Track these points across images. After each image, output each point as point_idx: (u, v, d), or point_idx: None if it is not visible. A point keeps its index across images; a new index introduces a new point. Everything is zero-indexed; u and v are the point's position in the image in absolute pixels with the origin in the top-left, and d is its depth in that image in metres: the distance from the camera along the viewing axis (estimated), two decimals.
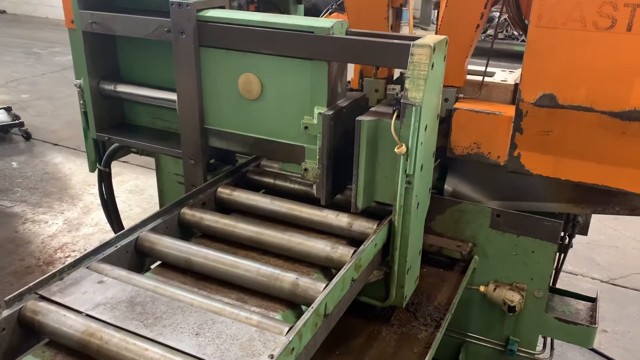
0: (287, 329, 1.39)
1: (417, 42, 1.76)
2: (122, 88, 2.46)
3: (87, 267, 1.61)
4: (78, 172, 5.84)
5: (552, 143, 2.15)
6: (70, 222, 4.85)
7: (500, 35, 13.52)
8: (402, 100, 1.78)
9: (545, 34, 2.02)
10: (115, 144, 2.64)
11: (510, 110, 2.30)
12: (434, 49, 1.76)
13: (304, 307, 1.68)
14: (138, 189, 5.56)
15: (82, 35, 2.35)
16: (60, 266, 1.58)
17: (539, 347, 2.66)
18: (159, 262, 1.87)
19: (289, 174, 2.37)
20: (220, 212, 2.13)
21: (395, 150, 1.81)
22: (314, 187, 2.01)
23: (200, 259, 1.73)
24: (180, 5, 2.04)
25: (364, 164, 1.92)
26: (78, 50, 2.89)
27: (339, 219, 2.00)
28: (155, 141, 2.48)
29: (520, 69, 2.75)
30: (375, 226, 1.94)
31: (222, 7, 2.19)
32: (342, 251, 1.79)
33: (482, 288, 2.55)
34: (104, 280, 1.56)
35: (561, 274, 2.79)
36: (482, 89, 2.47)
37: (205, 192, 2.17)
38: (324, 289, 1.56)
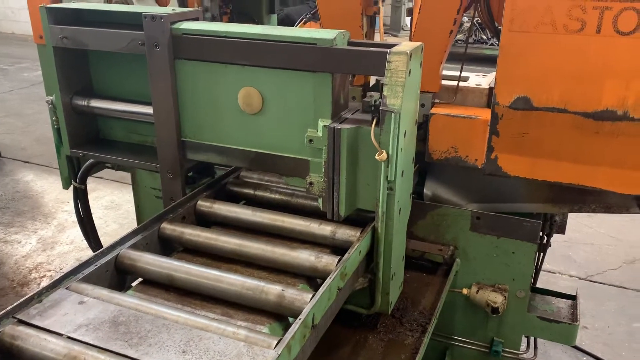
0: (275, 342, 1.37)
1: (393, 49, 1.77)
2: (96, 103, 2.41)
3: (66, 288, 1.57)
4: (50, 190, 5.71)
5: (528, 145, 2.18)
6: (44, 241, 4.73)
7: (470, 40, 13.77)
8: (381, 108, 1.79)
9: (518, 37, 2.05)
10: (91, 160, 2.58)
11: (486, 114, 2.33)
12: (410, 56, 1.77)
13: (291, 319, 1.66)
14: (114, 204, 5.45)
15: (52, 51, 2.30)
16: (36, 287, 1.53)
17: (523, 346, 2.68)
18: (140, 280, 1.83)
19: (270, 184, 2.35)
20: (201, 226, 2.11)
21: (376, 157, 1.81)
22: (319, 200, 1.99)
23: (183, 274, 1.70)
24: (154, 18, 2.02)
25: (345, 171, 1.92)
26: (48, 65, 2.85)
27: (322, 228, 2.00)
28: (131, 156, 2.43)
29: (493, 73, 2.80)
30: (358, 233, 1.93)
31: (197, 19, 2.18)
32: (326, 260, 1.78)
33: (464, 291, 2.56)
34: (84, 300, 1.52)
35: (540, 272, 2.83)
36: (457, 94, 2.50)
37: (185, 206, 2.14)
38: (311, 299, 1.54)
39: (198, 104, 2.14)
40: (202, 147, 2.20)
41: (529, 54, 2.06)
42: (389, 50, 1.77)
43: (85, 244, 4.35)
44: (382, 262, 1.96)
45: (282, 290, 1.60)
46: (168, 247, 2.03)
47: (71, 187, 2.88)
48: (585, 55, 1.98)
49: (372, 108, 1.90)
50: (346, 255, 1.77)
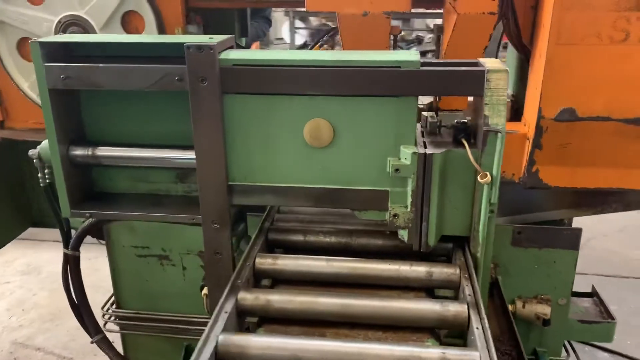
0: None
1: (490, 67, 1.69)
2: (104, 152, 1.99)
3: None
4: None
5: (570, 155, 2.21)
6: None
7: None
8: (484, 128, 1.70)
9: (565, 50, 2.07)
10: (90, 220, 2.13)
11: (520, 127, 2.33)
12: None
13: None
14: (31, 268, 4.66)
15: (47, 94, 1.85)
16: None
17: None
18: None
19: (315, 227, 2.12)
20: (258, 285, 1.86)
21: (480, 180, 1.73)
22: (401, 233, 1.82)
23: (315, 354, 1.42)
24: (201, 48, 1.71)
25: (436, 198, 1.79)
26: None
27: (414, 270, 1.81)
28: (150, 209, 2.04)
29: None
30: (457, 271, 1.79)
31: (232, 47, 1.90)
32: (455, 308, 1.59)
33: (510, 307, 2.52)
34: None
35: None
36: None
37: (245, 267, 1.83)
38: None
39: (250, 143, 1.86)
40: (256, 190, 1.91)
41: (576, 65, 2.08)
42: (486, 68, 1.68)
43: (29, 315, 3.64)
44: (481, 291, 1.84)
45: (443, 353, 1.40)
46: (242, 319, 1.71)
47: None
48: (629, 63, 2.05)
49: (457, 129, 1.81)
50: (471, 298, 1.63)
